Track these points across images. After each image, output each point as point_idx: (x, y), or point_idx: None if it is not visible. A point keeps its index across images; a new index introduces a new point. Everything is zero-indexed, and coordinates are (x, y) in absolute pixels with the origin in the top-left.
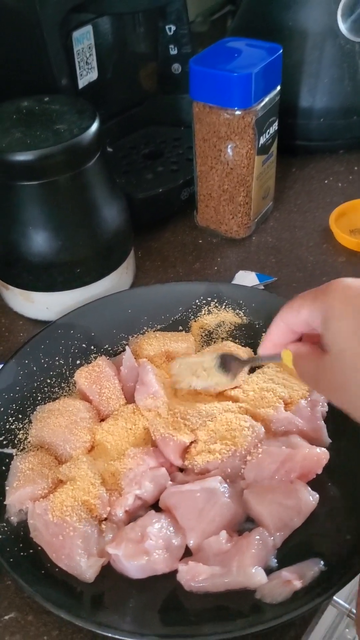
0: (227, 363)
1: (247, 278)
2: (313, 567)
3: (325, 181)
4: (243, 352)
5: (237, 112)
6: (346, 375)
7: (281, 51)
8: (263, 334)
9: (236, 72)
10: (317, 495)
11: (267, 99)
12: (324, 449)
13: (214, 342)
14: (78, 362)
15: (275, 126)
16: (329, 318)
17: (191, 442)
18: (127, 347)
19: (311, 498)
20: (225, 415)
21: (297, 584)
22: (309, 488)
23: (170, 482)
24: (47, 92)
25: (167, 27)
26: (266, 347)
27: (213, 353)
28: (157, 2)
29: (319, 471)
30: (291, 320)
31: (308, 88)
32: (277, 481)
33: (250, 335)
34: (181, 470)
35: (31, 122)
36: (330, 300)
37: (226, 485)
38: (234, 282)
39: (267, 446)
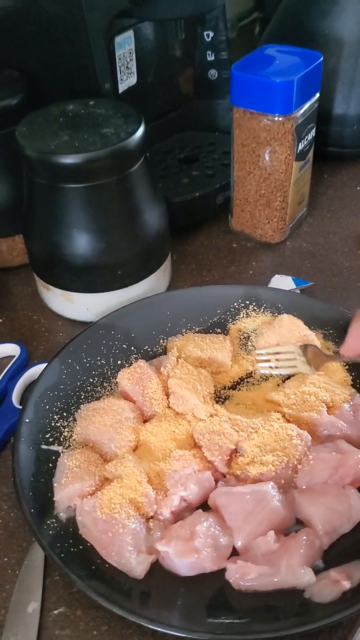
0: (310, 354)
1: (283, 282)
2: None
3: (358, 188)
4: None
5: (278, 118)
6: None
7: (322, 59)
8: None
9: (278, 78)
10: None
11: (306, 106)
12: None
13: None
14: (119, 362)
15: (313, 133)
16: None
17: (234, 451)
18: (169, 353)
19: None
20: (271, 425)
21: (346, 584)
22: None
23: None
24: (90, 96)
25: (205, 33)
26: (347, 348)
27: (297, 344)
28: (201, 8)
29: None
30: None
31: (343, 95)
32: (329, 486)
33: None
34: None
35: (78, 126)
36: None
37: (277, 491)
38: (270, 286)
39: (316, 452)
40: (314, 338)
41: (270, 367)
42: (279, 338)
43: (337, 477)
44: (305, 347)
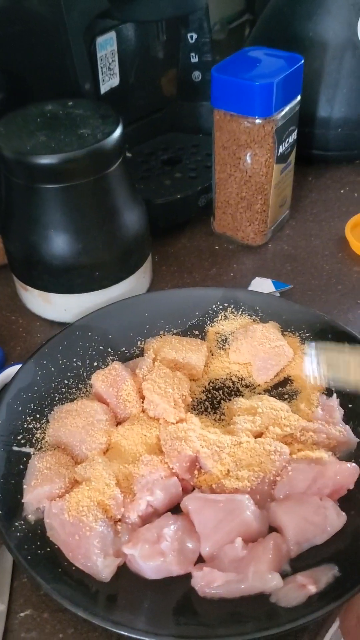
0: None
1: (263, 285)
2: (327, 573)
3: (341, 191)
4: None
5: (258, 121)
6: None
7: (302, 61)
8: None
9: (258, 81)
10: (345, 516)
11: (287, 109)
12: (354, 465)
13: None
14: (95, 364)
15: (294, 135)
16: None
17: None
18: (145, 354)
19: (338, 518)
20: (247, 443)
21: (312, 589)
22: (338, 508)
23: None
24: (70, 97)
25: (189, 34)
26: None
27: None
28: (182, 10)
29: (351, 486)
30: None
31: (326, 98)
32: (307, 496)
33: None
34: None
35: (55, 126)
36: None
37: (252, 503)
38: (250, 288)
39: (295, 464)
40: (285, 350)
41: None
42: (249, 349)
43: (315, 488)
44: None
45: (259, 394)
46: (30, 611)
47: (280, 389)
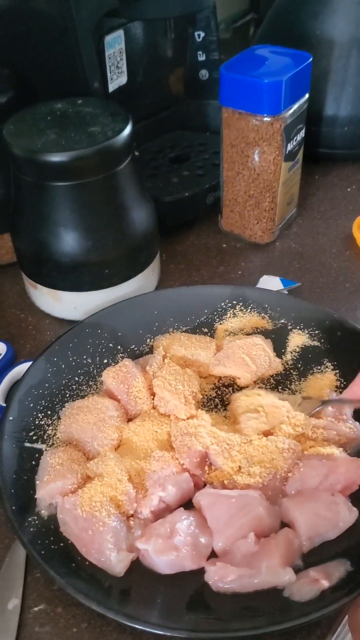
0: (308, 407)
1: (271, 282)
2: (340, 568)
3: (348, 189)
4: (270, 349)
5: (266, 119)
6: None
7: (311, 59)
8: (288, 338)
9: (267, 79)
10: (357, 512)
11: (295, 107)
12: None
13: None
14: (105, 361)
15: (302, 133)
16: None
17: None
18: (155, 352)
19: (350, 514)
20: (259, 440)
21: (325, 583)
22: (350, 504)
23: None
24: (79, 95)
25: (196, 33)
26: (352, 392)
27: (296, 396)
28: (190, 8)
29: None
30: None
31: (333, 96)
32: (318, 492)
33: (276, 339)
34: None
35: (65, 124)
36: None
37: (265, 499)
38: (258, 286)
39: (307, 459)
40: (250, 371)
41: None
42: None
43: (327, 484)
44: (304, 399)
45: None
46: (43, 605)
47: (289, 384)
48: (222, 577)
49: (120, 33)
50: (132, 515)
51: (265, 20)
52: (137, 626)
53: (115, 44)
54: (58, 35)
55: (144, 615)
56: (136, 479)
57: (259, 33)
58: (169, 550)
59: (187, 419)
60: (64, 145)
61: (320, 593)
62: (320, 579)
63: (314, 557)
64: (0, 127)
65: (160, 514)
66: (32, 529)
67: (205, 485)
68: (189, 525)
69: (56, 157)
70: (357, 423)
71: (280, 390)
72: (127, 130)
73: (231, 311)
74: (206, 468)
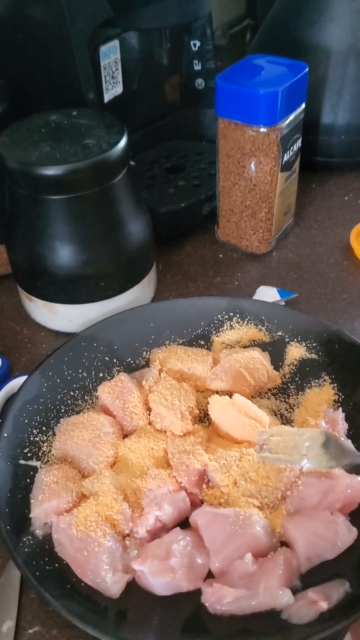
0: (330, 445)
1: (268, 293)
2: (339, 589)
3: (345, 198)
4: (268, 362)
5: (263, 130)
6: None
7: (307, 69)
8: (286, 350)
9: (263, 89)
10: (356, 531)
11: (292, 117)
12: None
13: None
14: (101, 375)
15: (298, 143)
16: None
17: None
18: (151, 365)
19: (349, 534)
20: (248, 459)
21: (324, 605)
22: (349, 523)
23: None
24: (74, 106)
25: (192, 42)
26: None
27: (315, 430)
28: (186, 18)
29: None
30: None
31: (330, 105)
32: (317, 511)
33: (273, 352)
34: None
35: (60, 136)
36: None
37: (262, 518)
38: (255, 297)
39: (305, 477)
40: (247, 386)
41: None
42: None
43: (326, 502)
44: (327, 436)
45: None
46: (38, 627)
47: (287, 398)
48: (219, 599)
49: (115, 43)
50: (127, 535)
51: (261, 27)
52: None
53: (110, 54)
54: (53, 46)
55: (139, 638)
56: (132, 497)
57: (255, 40)
58: (165, 572)
59: (184, 435)
60: (59, 158)
61: (319, 615)
62: (319, 601)
63: (312, 577)
64: None
65: (156, 533)
66: (26, 549)
67: (202, 503)
68: (186, 545)
69: (51, 170)
70: (349, 440)
71: (278, 401)
72: (123, 142)
73: (228, 323)
74: (204, 486)
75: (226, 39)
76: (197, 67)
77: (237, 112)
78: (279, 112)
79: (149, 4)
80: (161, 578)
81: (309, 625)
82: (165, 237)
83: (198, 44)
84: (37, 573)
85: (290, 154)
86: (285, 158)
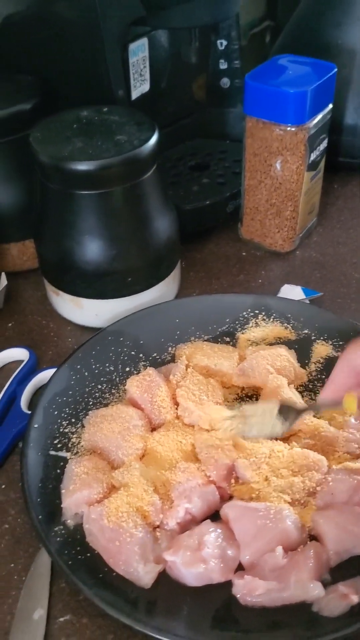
0: (285, 412)
1: (292, 292)
2: None
3: None
4: (295, 361)
5: (291, 129)
6: None
7: (335, 70)
8: (312, 349)
9: (292, 89)
10: None
11: (319, 117)
12: None
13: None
14: (127, 369)
15: (325, 143)
16: None
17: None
18: (178, 361)
19: None
20: (285, 452)
21: (355, 599)
22: None
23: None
24: (102, 103)
25: (218, 41)
26: (329, 391)
27: (271, 402)
28: (216, 18)
29: None
30: (357, 361)
31: (354, 106)
32: (348, 507)
33: (299, 349)
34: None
35: (91, 132)
36: None
37: (292, 512)
38: (279, 295)
39: (334, 474)
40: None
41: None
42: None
43: (357, 498)
44: (281, 405)
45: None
46: (69, 616)
47: (314, 395)
48: (250, 591)
49: (144, 41)
50: (157, 527)
51: (285, 28)
52: (164, 638)
53: (139, 52)
54: (84, 43)
55: (171, 628)
56: (161, 489)
57: (278, 42)
58: (197, 563)
59: (211, 430)
60: (91, 154)
61: (350, 608)
62: (350, 594)
63: (342, 571)
64: (26, 133)
65: (186, 525)
66: (58, 539)
67: (231, 497)
68: (217, 537)
69: (83, 166)
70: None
71: (306, 399)
72: (154, 139)
73: (253, 320)
74: (232, 481)
75: (247, 39)
76: (223, 66)
77: (265, 111)
78: (307, 111)
79: (180, 4)
80: (193, 569)
81: (340, 618)
82: (189, 235)
83: (225, 43)
84: (70, 562)
85: (317, 153)
86: (312, 157)
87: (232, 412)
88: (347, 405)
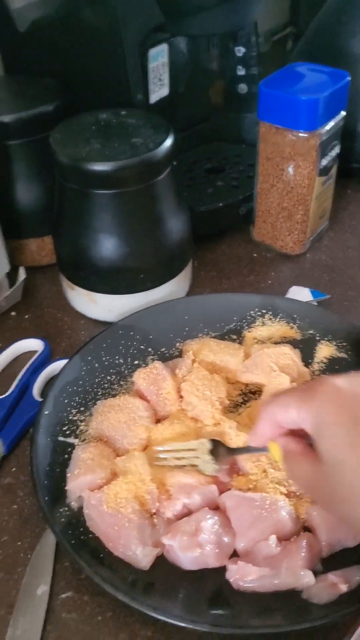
0: (216, 449)
1: (300, 293)
2: (358, 573)
3: None
4: (299, 360)
5: (302, 135)
6: (347, 490)
7: (349, 78)
8: (316, 349)
9: (304, 96)
10: None
11: (332, 123)
12: None
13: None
14: (136, 362)
15: (337, 149)
16: (322, 424)
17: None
18: (185, 356)
19: None
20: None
21: (343, 587)
22: None
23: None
24: (121, 106)
25: (236, 48)
26: (254, 439)
27: (203, 439)
28: (234, 26)
29: None
30: (279, 417)
31: None
32: None
33: (303, 349)
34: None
35: (109, 134)
36: (320, 403)
37: (288, 504)
38: (287, 296)
39: None
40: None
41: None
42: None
43: None
44: (213, 442)
45: None
46: (71, 593)
47: None
48: (243, 576)
49: (164, 47)
50: (154, 513)
51: (304, 36)
52: (160, 617)
53: (158, 57)
54: (105, 48)
55: (167, 608)
56: (159, 475)
57: (297, 48)
58: (194, 547)
59: (213, 425)
60: (108, 155)
61: (338, 596)
62: (339, 583)
63: (333, 562)
64: (46, 134)
65: (181, 517)
66: (62, 519)
67: (230, 489)
68: (214, 524)
69: (100, 166)
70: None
71: None
72: (169, 142)
73: (260, 319)
74: (234, 475)
75: (269, 45)
76: (241, 72)
77: (278, 117)
78: (319, 118)
79: (200, 12)
80: (190, 553)
81: (329, 605)
82: (202, 236)
83: (243, 50)
84: (73, 542)
85: (329, 159)
86: (324, 163)
87: (166, 446)
88: (272, 452)
